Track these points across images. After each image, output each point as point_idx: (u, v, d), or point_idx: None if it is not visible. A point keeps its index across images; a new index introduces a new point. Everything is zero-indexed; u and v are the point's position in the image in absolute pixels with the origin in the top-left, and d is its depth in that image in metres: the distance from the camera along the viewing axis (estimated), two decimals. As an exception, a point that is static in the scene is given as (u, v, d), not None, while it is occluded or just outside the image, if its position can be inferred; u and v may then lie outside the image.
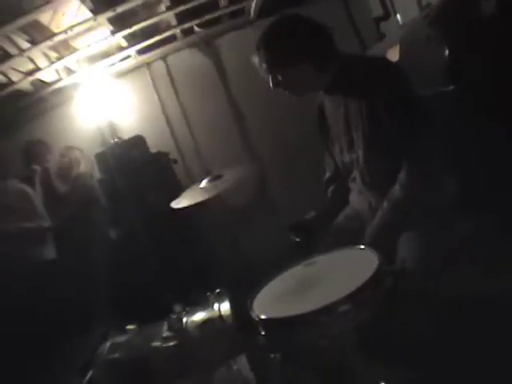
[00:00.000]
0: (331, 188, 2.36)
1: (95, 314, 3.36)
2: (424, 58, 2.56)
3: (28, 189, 3.92)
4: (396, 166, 1.85)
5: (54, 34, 3.37)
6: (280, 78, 1.97)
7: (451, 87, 2.35)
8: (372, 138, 1.88)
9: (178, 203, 2.58)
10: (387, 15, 4.18)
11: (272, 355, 1.51)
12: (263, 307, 1.58)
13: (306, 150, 3.75)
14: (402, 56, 2.94)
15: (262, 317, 1.49)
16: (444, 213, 1.87)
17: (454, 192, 1.97)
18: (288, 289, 1.67)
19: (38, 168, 4.17)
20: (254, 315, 1.53)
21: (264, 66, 1.97)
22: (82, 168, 4.40)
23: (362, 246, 1.70)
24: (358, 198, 2.15)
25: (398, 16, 3.93)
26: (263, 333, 1.50)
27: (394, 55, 3.23)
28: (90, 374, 2.06)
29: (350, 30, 4.81)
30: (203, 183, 2.61)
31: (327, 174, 2.39)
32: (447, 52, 2.28)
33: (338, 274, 1.63)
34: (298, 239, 2.40)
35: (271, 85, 2.01)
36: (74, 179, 4.36)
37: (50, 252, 3.85)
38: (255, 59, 2.01)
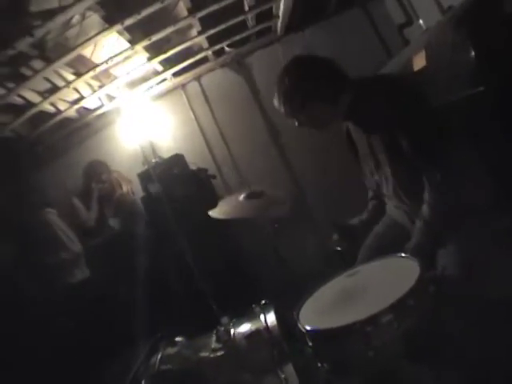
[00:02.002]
0: (372, 202, 2.42)
1: (145, 327, 3.44)
2: (451, 62, 2.53)
3: (52, 219, 4.11)
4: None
5: (96, 65, 3.58)
6: (301, 118, 2.10)
7: (479, 89, 2.36)
8: (395, 158, 1.94)
9: (218, 213, 2.64)
10: (410, 21, 4.20)
11: (319, 365, 1.54)
12: (309, 318, 1.61)
13: (341, 161, 3.78)
14: (429, 61, 2.94)
15: (309, 328, 1.53)
16: (480, 216, 1.87)
17: (487, 195, 1.98)
18: (332, 299, 1.69)
19: (97, 186, 4.37)
20: (300, 326, 1.57)
21: (283, 110, 2.11)
22: (123, 188, 4.60)
23: (403, 254, 1.73)
24: (396, 212, 2.19)
25: (421, 21, 3.95)
26: (310, 344, 1.54)
27: (420, 61, 3.21)
28: None
29: (374, 38, 4.85)
30: (242, 197, 2.63)
31: (369, 193, 2.45)
32: (474, 54, 2.28)
33: (381, 283, 1.65)
34: (339, 248, 2.47)
35: (295, 124, 2.15)
36: (117, 200, 4.57)
37: (83, 272, 4.06)
38: (275, 103, 2.14)
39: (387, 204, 2.25)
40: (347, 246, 2.38)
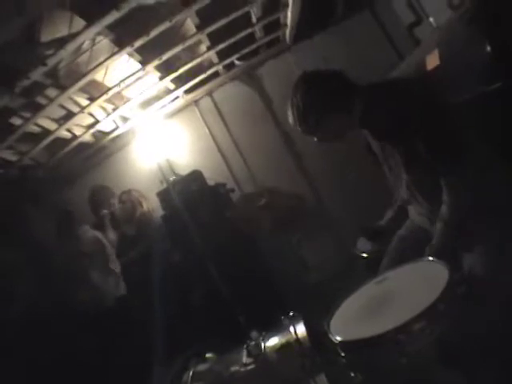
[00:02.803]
0: (396, 205, 2.40)
1: (173, 345, 3.45)
2: (465, 58, 2.49)
3: (100, 235, 4.16)
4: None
5: (109, 89, 3.61)
6: (318, 135, 2.11)
7: (496, 86, 2.32)
8: (411, 162, 1.92)
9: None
10: (419, 20, 4.13)
11: (352, 374, 1.52)
12: (340, 329, 1.60)
13: (357, 166, 3.76)
14: (442, 59, 2.91)
15: (340, 339, 1.52)
16: (501, 217, 1.84)
17: (506, 195, 1.90)
18: (362, 308, 1.68)
19: (106, 212, 4.41)
20: (331, 337, 1.56)
21: (299, 129, 2.11)
22: (144, 207, 4.63)
23: (430, 258, 1.72)
24: (418, 218, 2.17)
25: (431, 19, 3.89)
26: (342, 354, 1.52)
27: (433, 60, 3.18)
28: None
29: (384, 40, 4.82)
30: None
31: (396, 193, 2.42)
32: (489, 49, 2.26)
33: (410, 288, 1.63)
34: (362, 253, 2.44)
35: (315, 140, 2.16)
36: (138, 220, 4.60)
37: (121, 289, 4.09)
38: (291, 120, 2.13)
39: (409, 210, 2.23)
40: (377, 248, 2.36)
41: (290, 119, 2.11)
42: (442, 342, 1.40)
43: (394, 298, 1.61)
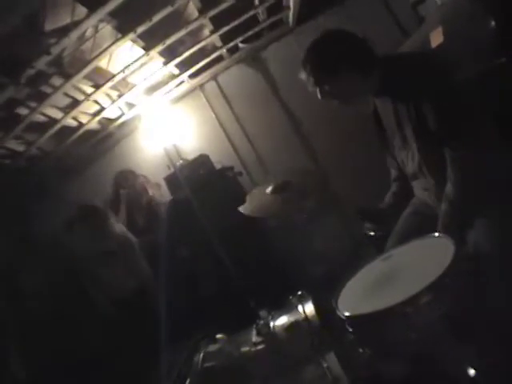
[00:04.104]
0: (397, 184, 2.40)
1: (184, 327, 3.51)
2: (470, 35, 2.49)
3: (132, 237, 4.23)
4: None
5: (113, 75, 3.63)
6: (327, 88, 2.05)
7: (501, 61, 2.30)
8: (422, 133, 1.91)
9: (248, 209, 2.64)
10: (424, -3, 4.10)
11: (361, 350, 1.54)
12: (347, 304, 1.61)
13: (364, 146, 3.75)
14: (447, 36, 2.89)
15: (348, 314, 1.52)
16: (506, 192, 1.84)
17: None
18: (369, 284, 1.69)
19: (125, 192, 4.47)
20: (339, 313, 1.56)
21: (311, 78, 2.06)
22: (150, 193, 4.62)
23: (436, 234, 1.72)
24: (423, 194, 2.17)
25: (435, -4, 3.87)
26: (350, 330, 1.53)
27: (437, 37, 3.16)
28: (187, 382, 2.11)
29: (388, 19, 4.75)
30: (270, 190, 2.63)
31: (393, 173, 2.42)
32: (493, 24, 2.24)
33: (417, 264, 1.63)
34: (371, 232, 2.46)
35: (319, 96, 2.09)
36: (145, 205, 4.60)
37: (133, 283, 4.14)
38: (303, 75, 2.11)
39: (414, 186, 2.23)
40: (377, 231, 2.37)
41: (304, 70, 2.06)
42: (450, 317, 1.40)
43: (401, 273, 1.61)
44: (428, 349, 1.46)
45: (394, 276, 1.62)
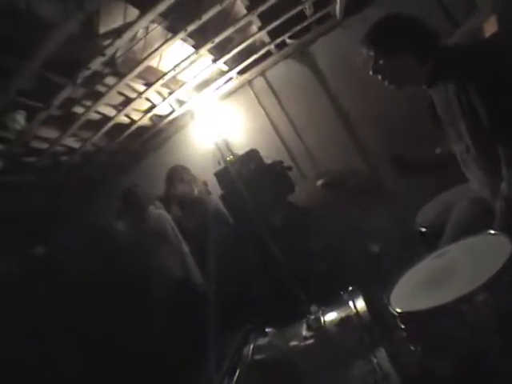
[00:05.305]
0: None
1: (234, 319, 3.57)
2: None
3: (166, 214, 4.32)
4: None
5: (164, 74, 3.70)
6: (381, 63, 2.05)
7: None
8: (475, 130, 1.88)
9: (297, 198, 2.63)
10: (476, -15, 3.98)
11: (412, 347, 1.53)
12: (400, 301, 1.59)
13: (414, 138, 3.69)
14: (501, 25, 2.81)
15: (401, 310, 1.52)
16: None
17: None
18: (423, 281, 1.67)
19: (174, 189, 4.55)
20: (392, 310, 1.55)
21: (369, 52, 2.07)
22: (195, 189, 4.66)
23: (492, 231, 1.68)
24: (478, 187, 2.13)
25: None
26: (403, 326, 1.53)
27: (491, 26, 3.07)
28: (237, 374, 2.19)
29: (437, 8, 4.55)
30: (320, 184, 2.63)
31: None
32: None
33: (472, 261, 1.60)
34: (422, 229, 2.42)
35: (371, 71, 2.09)
36: (192, 202, 4.65)
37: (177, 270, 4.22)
38: (362, 48, 2.10)
39: (470, 179, 2.19)
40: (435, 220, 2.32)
41: (364, 42, 2.09)
42: (505, 314, 1.38)
43: (455, 270, 1.58)
44: (481, 347, 1.43)
45: (448, 273, 1.60)
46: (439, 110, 2.14)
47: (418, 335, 1.54)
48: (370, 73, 2.10)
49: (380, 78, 2.10)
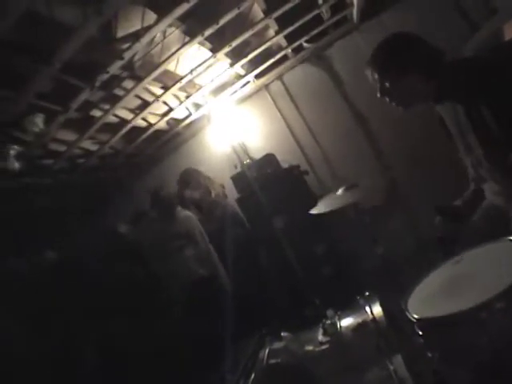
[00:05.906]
0: (474, 183, 2.33)
1: (249, 322, 3.55)
2: None
3: (193, 216, 4.35)
4: None
5: (181, 77, 3.72)
6: (388, 86, 2.05)
7: None
8: (486, 141, 1.87)
9: (319, 210, 2.63)
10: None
11: (430, 354, 1.50)
12: (418, 307, 1.57)
13: (431, 145, 3.66)
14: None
15: (418, 317, 1.50)
16: None
17: None
18: (440, 287, 1.65)
19: (188, 193, 4.56)
20: (409, 316, 1.54)
21: (376, 75, 2.06)
22: (213, 193, 4.64)
23: (510, 238, 1.65)
24: (493, 197, 2.12)
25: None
26: (420, 333, 1.50)
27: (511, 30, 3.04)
28: (252, 378, 2.16)
29: (455, 13, 4.54)
30: (340, 191, 2.62)
31: (470, 173, 2.33)
32: None
33: (490, 268, 1.58)
34: (439, 234, 2.39)
35: (378, 93, 2.09)
36: (209, 205, 4.64)
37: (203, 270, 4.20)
38: (368, 72, 2.10)
39: (485, 189, 2.17)
40: (451, 229, 2.30)
41: (369, 67, 2.09)
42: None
43: (473, 277, 1.56)
44: (499, 355, 1.40)
45: (467, 280, 1.57)
46: (448, 124, 2.13)
47: (435, 342, 1.50)
48: (378, 95, 2.11)
49: (387, 100, 2.11)
